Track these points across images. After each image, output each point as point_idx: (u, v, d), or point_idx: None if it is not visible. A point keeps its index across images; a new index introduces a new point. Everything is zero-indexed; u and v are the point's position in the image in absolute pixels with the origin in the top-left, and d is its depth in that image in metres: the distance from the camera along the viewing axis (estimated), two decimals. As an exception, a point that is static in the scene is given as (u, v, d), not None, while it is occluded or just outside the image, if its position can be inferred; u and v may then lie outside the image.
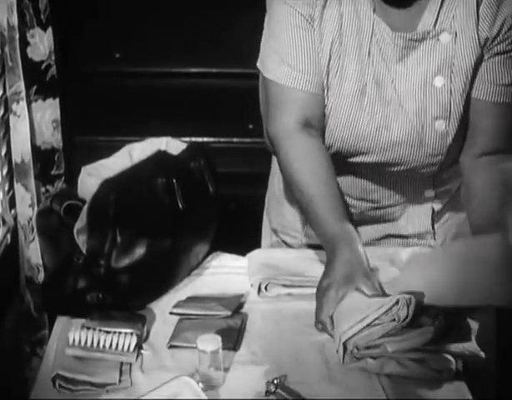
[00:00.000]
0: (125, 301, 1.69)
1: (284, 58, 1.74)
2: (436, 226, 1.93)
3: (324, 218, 1.64)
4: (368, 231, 1.92)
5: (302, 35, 1.73)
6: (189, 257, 1.81)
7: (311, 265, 1.80)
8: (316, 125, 1.75)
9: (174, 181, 1.73)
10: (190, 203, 1.75)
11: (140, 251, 1.68)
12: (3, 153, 2.27)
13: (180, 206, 1.72)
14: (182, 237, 1.75)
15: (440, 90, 1.73)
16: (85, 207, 1.69)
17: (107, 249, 1.66)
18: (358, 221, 1.90)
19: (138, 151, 1.87)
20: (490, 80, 1.73)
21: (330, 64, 1.73)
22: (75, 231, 1.69)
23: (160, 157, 1.77)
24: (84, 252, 1.69)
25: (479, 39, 1.70)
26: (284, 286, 1.75)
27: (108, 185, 1.69)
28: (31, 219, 2.27)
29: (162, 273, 1.75)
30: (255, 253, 1.88)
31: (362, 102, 1.74)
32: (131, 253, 1.67)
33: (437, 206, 1.91)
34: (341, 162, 1.81)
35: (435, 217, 1.92)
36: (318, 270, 1.76)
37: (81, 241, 1.68)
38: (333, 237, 1.61)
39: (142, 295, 1.72)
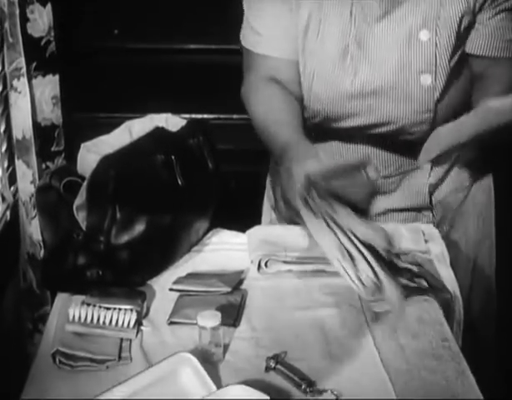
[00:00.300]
0: (125, 277, 1.69)
1: (256, 27, 1.78)
2: (434, 200, 1.92)
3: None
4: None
5: (274, 5, 1.75)
6: (189, 234, 1.81)
7: (312, 241, 1.80)
8: (289, 88, 1.78)
9: (173, 157, 1.72)
10: (189, 180, 1.75)
11: (140, 227, 1.68)
12: (2, 130, 2.26)
13: (179, 182, 1.72)
14: (181, 214, 1.75)
15: (426, 44, 1.72)
16: (84, 184, 1.69)
17: (107, 225, 1.65)
18: None
19: (137, 127, 1.87)
20: (496, 36, 1.73)
21: (310, 29, 1.74)
22: (74, 207, 1.69)
23: (158, 133, 1.76)
24: (84, 228, 1.68)
25: None
26: (284, 262, 1.75)
27: (107, 161, 1.69)
28: (32, 195, 2.26)
29: (162, 250, 1.75)
30: (255, 230, 1.88)
31: (345, 62, 1.74)
32: (131, 230, 1.67)
33: (434, 177, 1.90)
34: (332, 129, 1.81)
35: (433, 190, 1.91)
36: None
37: (80, 217, 1.68)
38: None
39: (142, 271, 1.72)
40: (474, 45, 1.75)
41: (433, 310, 1.63)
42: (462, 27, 1.72)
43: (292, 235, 1.82)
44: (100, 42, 2.59)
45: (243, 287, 1.71)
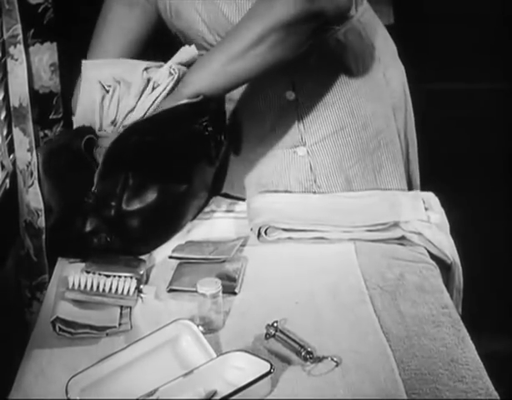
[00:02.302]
0: (133, 245, 1.68)
1: None
2: (306, 137, 1.87)
3: None
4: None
5: None
6: (195, 204, 1.81)
7: (312, 209, 1.80)
8: None
9: (208, 129, 1.67)
10: (215, 153, 1.72)
11: (152, 195, 1.66)
12: (1, 97, 2.25)
13: (210, 155, 1.69)
14: (192, 185, 1.74)
15: None
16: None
17: (119, 191, 1.64)
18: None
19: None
20: None
21: None
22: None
23: (199, 103, 1.67)
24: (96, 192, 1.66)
25: None
26: (284, 230, 1.75)
27: (133, 128, 1.65)
28: (29, 164, 2.25)
29: (170, 219, 1.74)
30: (255, 198, 1.87)
31: None
32: (142, 196, 1.66)
33: (305, 113, 1.85)
34: None
35: (304, 127, 1.86)
36: (318, 213, 1.76)
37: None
38: None
39: (149, 239, 1.71)
40: None
41: (433, 277, 1.63)
42: None
43: (292, 202, 1.82)
44: (99, 9, 2.56)
45: (243, 254, 1.71)
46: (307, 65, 1.81)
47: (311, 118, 1.85)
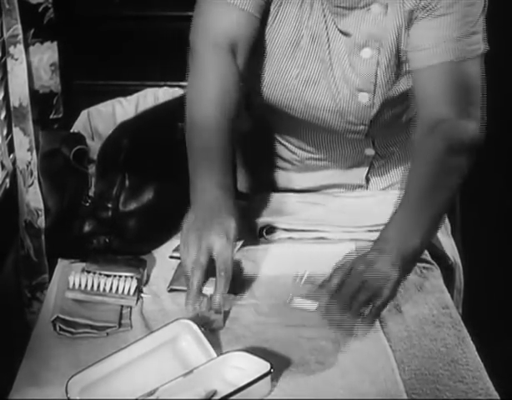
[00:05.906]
0: (132, 245, 1.68)
1: None
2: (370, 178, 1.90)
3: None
4: (306, 178, 1.91)
5: None
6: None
7: (313, 209, 1.80)
8: (240, 45, 1.67)
9: None
10: None
11: (148, 195, 1.66)
12: (1, 97, 2.25)
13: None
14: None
15: (367, 62, 1.68)
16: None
17: (116, 192, 1.64)
18: (298, 167, 1.91)
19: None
20: (419, 46, 1.64)
21: (271, 7, 1.69)
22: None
23: (182, 100, 1.67)
24: (92, 195, 1.67)
25: (407, 11, 1.63)
26: (285, 230, 1.74)
27: (123, 128, 1.65)
28: (29, 163, 2.26)
29: (169, 218, 1.73)
30: (255, 198, 1.87)
31: (295, 52, 1.70)
32: (139, 197, 1.66)
33: (378, 163, 1.88)
34: (268, 114, 1.82)
35: (373, 171, 1.90)
36: (319, 214, 1.77)
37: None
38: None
39: (149, 240, 1.71)
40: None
41: (433, 278, 1.63)
42: (403, 44, 1.67)
43: (293, 202, 1.82)
44: (99, 8, 2.57)
45: (244, 254, 1.70)
46: (390, 129, 1.82)
47: (381, 171, 1.89)
